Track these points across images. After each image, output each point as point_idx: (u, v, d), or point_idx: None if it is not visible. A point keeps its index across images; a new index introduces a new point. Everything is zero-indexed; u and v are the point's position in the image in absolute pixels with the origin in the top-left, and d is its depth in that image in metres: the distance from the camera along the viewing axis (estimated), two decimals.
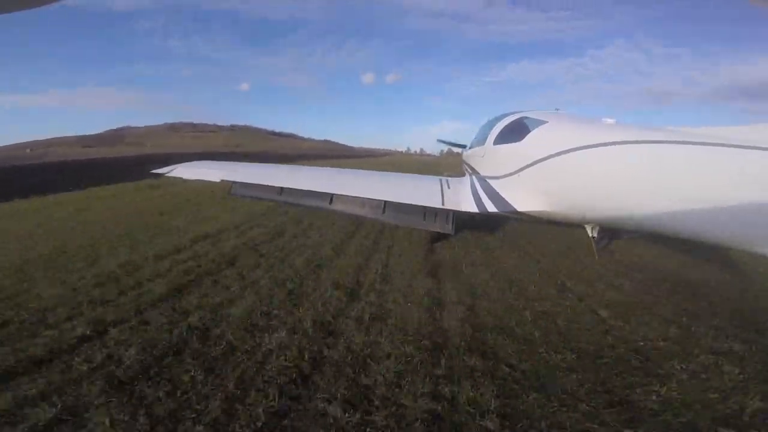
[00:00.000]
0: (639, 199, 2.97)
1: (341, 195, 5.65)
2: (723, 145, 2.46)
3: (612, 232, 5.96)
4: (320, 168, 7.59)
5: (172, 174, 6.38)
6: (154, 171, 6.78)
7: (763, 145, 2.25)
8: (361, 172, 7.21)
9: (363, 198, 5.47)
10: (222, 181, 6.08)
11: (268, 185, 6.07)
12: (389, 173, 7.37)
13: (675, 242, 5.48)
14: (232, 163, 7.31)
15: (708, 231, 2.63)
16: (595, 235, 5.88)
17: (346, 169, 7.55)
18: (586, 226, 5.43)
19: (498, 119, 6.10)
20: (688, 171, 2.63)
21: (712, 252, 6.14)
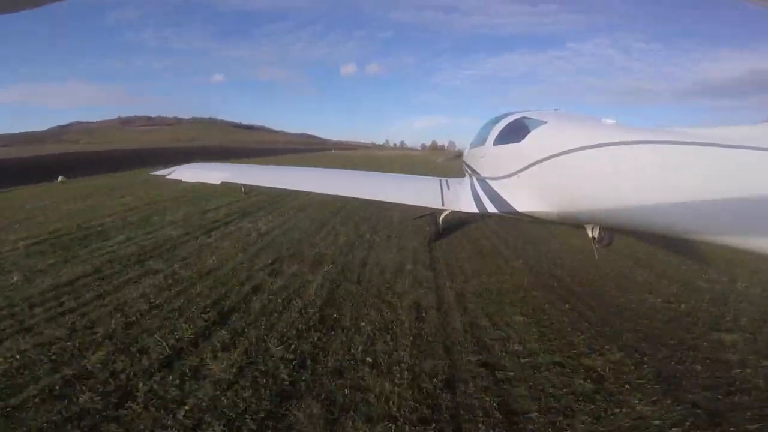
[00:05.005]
0: (639, 200, 3.08)
1: (342, 196, 5.88)
2: (725, 145, 2.54)
3: (612, 232, 6.35)
4: (322, 169, 7.72)
5: (172, 176, 6.33)
6: (154, 173, 6.64)
7: (765, 146, 2.35)
8: (363, 173, 7.37)
9: (363, 199, 5.73)
10: (222, 183, 6.13)
11: (268, 186, 6.29)
12: (390, 174, 7.58)
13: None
14: (233, 164, 7.47)
15: (710, 231, 2.73)
16: (596, 235, 6.22)
17: (348, 170, 7.66)
18: (586, 226, 5.75)
19: (498, 119, 6.23)
20: (689, 171, 2.72)
21: None
